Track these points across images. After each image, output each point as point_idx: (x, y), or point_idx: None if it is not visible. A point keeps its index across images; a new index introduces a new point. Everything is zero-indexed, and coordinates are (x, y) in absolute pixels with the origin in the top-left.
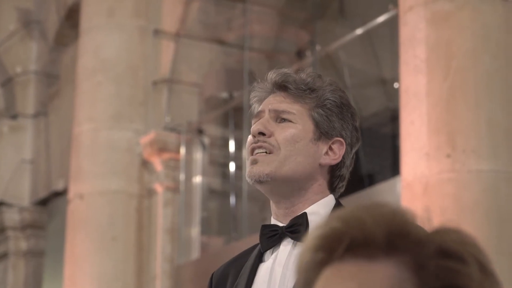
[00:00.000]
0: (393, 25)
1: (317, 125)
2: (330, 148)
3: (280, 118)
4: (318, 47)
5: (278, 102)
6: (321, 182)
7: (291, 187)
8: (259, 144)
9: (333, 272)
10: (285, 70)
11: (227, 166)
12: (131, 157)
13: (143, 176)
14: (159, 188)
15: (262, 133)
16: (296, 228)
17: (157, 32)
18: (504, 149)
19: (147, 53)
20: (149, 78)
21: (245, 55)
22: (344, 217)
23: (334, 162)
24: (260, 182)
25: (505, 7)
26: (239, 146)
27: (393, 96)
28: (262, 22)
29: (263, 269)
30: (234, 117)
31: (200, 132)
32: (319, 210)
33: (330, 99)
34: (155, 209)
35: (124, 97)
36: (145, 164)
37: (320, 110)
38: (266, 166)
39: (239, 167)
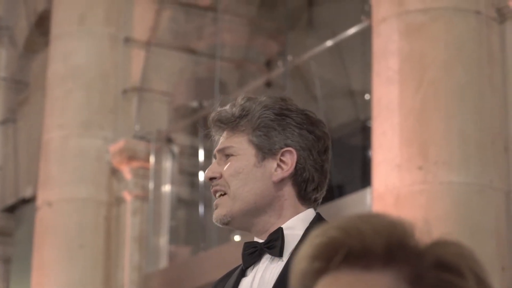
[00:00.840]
0: (364, 36)
1: (258, 147)
2: (281, 161)
3: (225, 156)
4: (289, 58)
5: (221, 141)
6: (287, 197)
7: (255, 215)
8: (213, 189)
9: (329, 281)
10: (219, 108)
11: (196, 175)
12: (100, 165)
13: (112, 184)
14: (127, 196)
15: (213, 178)
16: (272, 243)
17: (127, 40)
18: (476, 161)
19: (118, 61)
20: (119, 86)
21: (216, 64)
22: (342, 226)
23: (287, 174)
24: (224, 224)
25: (478, 19)
26: (208, 156)
27: (363, 107)
28: (233, 32)
29: (244, 284)
30: (204, 126)
31: (169, 141)
32: (296, 224)
33: (262, 117)
34: (123, 218)
35: (94, 104)
36: (114, 172)
37: (257, 132)
38: (223, 208)
39: None
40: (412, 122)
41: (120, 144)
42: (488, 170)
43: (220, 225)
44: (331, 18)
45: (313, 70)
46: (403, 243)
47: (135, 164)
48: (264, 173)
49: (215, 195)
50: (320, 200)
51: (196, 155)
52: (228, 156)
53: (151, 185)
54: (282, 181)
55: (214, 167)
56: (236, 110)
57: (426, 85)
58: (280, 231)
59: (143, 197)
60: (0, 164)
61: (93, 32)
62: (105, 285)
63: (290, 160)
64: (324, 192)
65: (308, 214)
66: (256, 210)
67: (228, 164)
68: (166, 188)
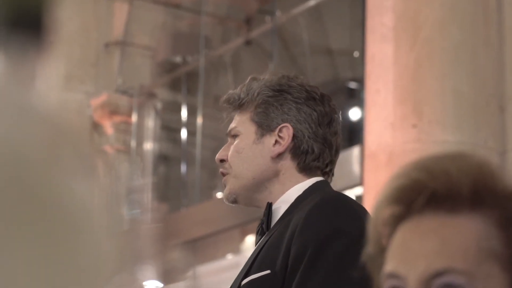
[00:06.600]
0: None
1: (258, 124)
2: (279, 137)
3: (232, 137)
4: (278, 13)
5: (231, 124)
6: (285, 171)
7: (256, 191)
8: (220, 171)
9: (412, 227)
10: (230, 91)
11: (178, 131)
12: (81, 119)
13: (93, 138)
14: (109, 150)
15: (222, 160)
16: (263, 219)
17: None
18: (470, 120)
19: (100, 14)
20: (102, 40)
21: (202, 19)
22: (426, 166)
23: (283, 149)
24: (233, 202)
25: None
26: (191, 112)
27: (343, 66)
28: None
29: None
30: (187, 82)
31: (152, 96)
32: (290, 196)
33: (260, 94)
34: None
35: (75, 58)
36: (96, 127)
37: (258, 109)
38: (227, 187)
39: (191, 133)
40: (406, 80)
41: (102, 98)
42: (483, 130)
43: (231, 204)
44: None
45: (301, 26)
46: (491, 185)
47: (117, 118)
48: (263, 150)
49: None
50: (329, 169)
51: (179, 111)
52: (235, 136)
53: (133, 142)
54: (280, 156)
55: (223, 150)
56: (241, 91)
57: (420, 43)
58: (267, 206)
59: (124, 152)
60: None
61: None
62: None
63: (286, 135)
64: (330, 161)
65: (307, 183)
66: (256, 185)
67: (232, 146)
68: (148, 144)
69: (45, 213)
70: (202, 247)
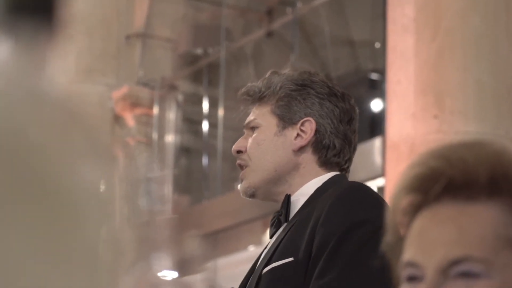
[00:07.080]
0: None
1: (279, 117)
2: (301, 130)
3: (251, 129)
4: (299, 4)
5: (249, 116)
6: (305, 164)
7: (276, 184)
8: (237, 162)
9: (429, 215)
10: (249, 84)
11: (200, 123)
12: (103, 111)
13: (115, 130)
14: (131, 142)
15: (239, 151)
16: (281, 211)
17: None
18: (492, 110)
19: (121, 7)
20: (122, 32)
21: (223, 11)
22: (443, 154)
23: (305, 142)
24: (251, 196)
25: None
26: (213, 104)
27: (365, 57)
28: None
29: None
30: (209, 74)
31: (173, 88)
32: (309, 188)
33: (283, 88)
34: None
35: (96, 50)
36: (117, 119)
37: (279, 102)
38: (246, 180)
39: (212, 125)
40: (427, 71)
41: (123, 90)
42: (504, 121)
43: (248, 198)
44: None
45: (322, 17)
46: (509, 173)
47: (138, 111)
48: (285, 142)
49: (241, 169)
50: (347, 165)
51: (200, 103)
52: (253, 129)
53: (154, 134)
54: (302, 149)
55: (240, 141)
56: (262, 84)
57: (442, 34)
58: (285, 198)
59: (146, 144)
60: None
61: None
62: None
63: (309, 129)
64: (349, 158)
65: (326, 176)
66: (278, 178)
67: (251, 137)
68: (170, 136)
69: (46, 194)
70: (224, 239)
